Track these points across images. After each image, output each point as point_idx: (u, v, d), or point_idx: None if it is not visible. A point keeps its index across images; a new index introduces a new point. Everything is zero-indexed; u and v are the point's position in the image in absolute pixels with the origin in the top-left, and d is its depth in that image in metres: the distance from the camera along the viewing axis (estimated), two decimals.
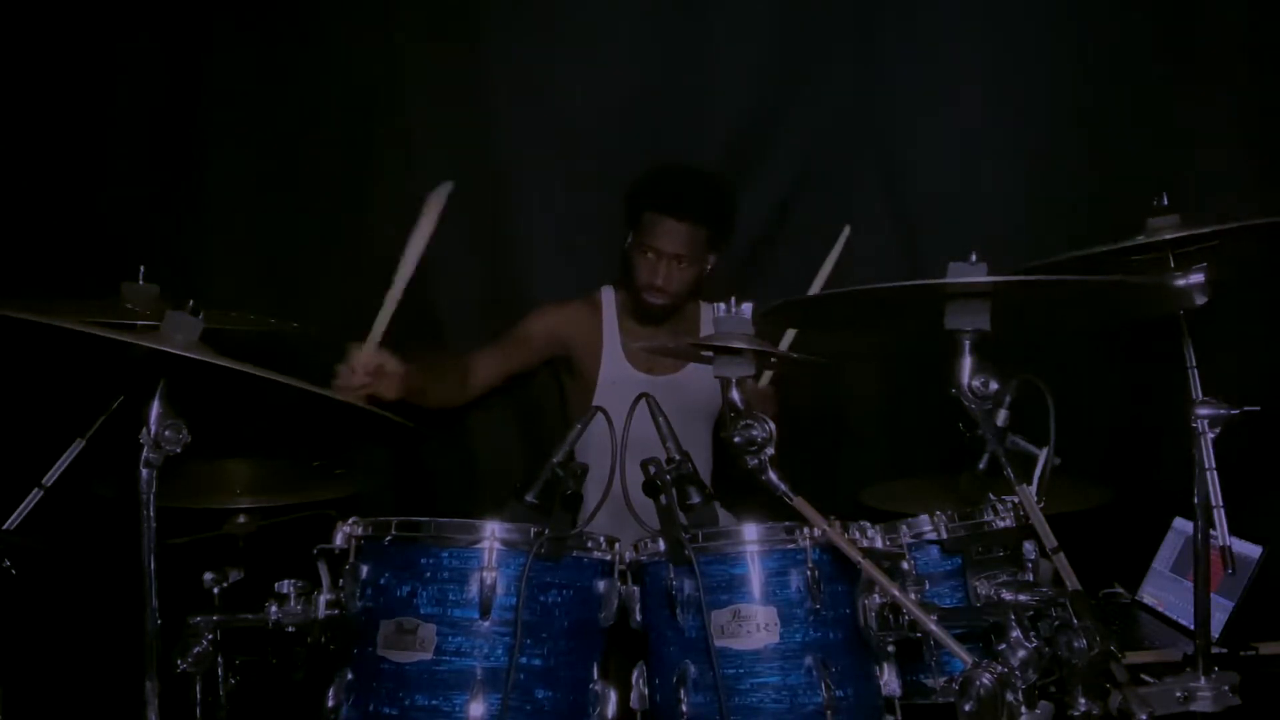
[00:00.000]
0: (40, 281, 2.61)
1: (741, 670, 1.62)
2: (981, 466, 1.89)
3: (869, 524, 1.72)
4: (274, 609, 1.77)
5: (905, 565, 1.67)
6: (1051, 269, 1.95)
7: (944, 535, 1.74)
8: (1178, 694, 1.74)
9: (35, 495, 2.01)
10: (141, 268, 2.23)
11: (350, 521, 1.73)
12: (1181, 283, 1.85)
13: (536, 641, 1.65)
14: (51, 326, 1.56)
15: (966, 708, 1.37)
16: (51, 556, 2.12)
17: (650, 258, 2.56)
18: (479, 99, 3.00)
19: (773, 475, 1.66)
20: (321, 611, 1.75)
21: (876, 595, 1.60)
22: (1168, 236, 1.83)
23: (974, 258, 1.60)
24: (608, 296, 2.75)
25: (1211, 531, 1.82)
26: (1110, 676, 1.48)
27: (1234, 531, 1.83)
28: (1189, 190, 1.97)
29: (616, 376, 2.63)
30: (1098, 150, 2.87)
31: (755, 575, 1.66)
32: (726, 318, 1.73)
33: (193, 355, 1.55)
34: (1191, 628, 1.91)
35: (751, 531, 1.69)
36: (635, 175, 2.69)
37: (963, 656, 1.45)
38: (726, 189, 2.66)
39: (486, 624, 1.62)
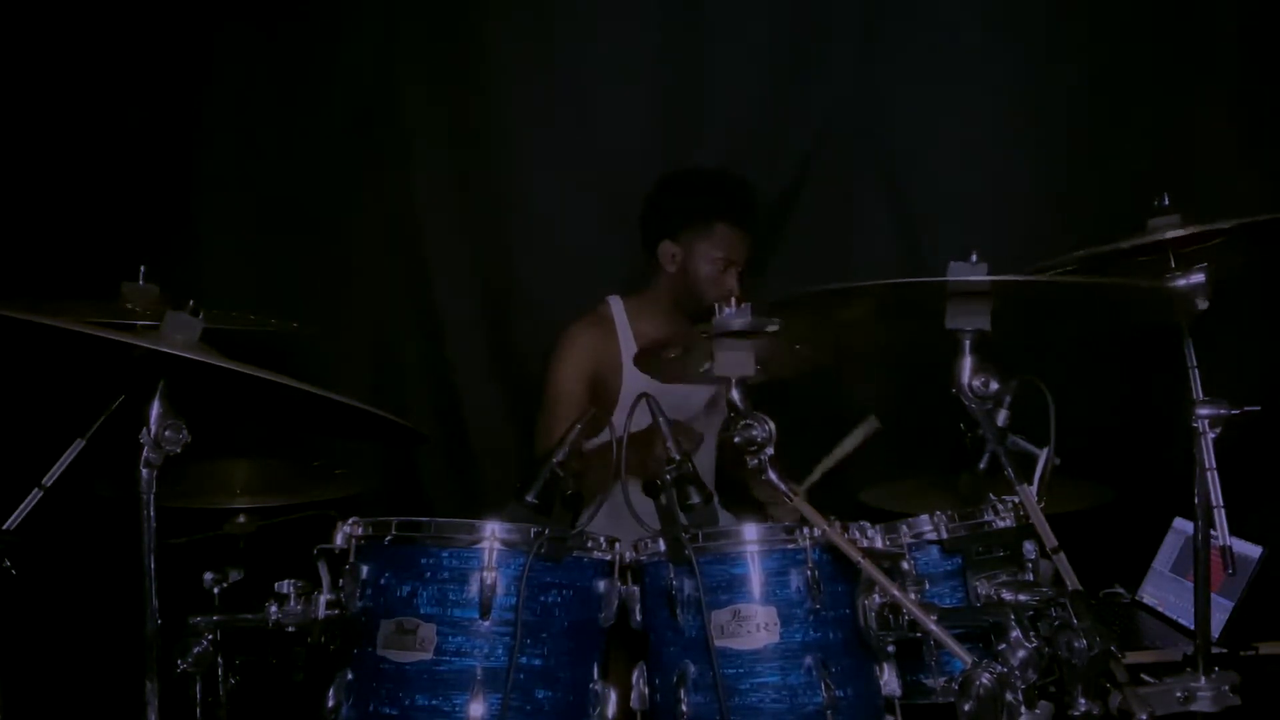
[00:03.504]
0: (40, 281, 2.60)
1: (741, 670, 1.62)
2: (981, 466, 1.89)
3: (869, 524, 1.71)
4: (274, 609, 1.77)
5: (905, 565, 1.67)
6: (1053, 269, 1.94)
7: (944, 535, 1.74)
8: (1178, 694, 1.74)
9: (35, 495, 2.00)
10: (141, 268, 2.23)
11: (350, 521, 1.73)
12: (1182, 283, 1.85)
13: (536, 641, 1.65)
14: (51, 326, 1.55)
15: (966, 708, 1.37)
16: (51, 556, 2.12)
17: (728, 271, 2.54)
18: (478, 99, 3.01)
19: (773, 475, 1.66)
20: (321, 611, 1.75)
21: (876, 595, 1.60)
22: (1168, 236, 1.83)
23: (974, 258, 1.60)
24: (617, 306, 2.68)
25: (1211, 531, 1.81)
26: (1110, 676, 1.48)
27: (1234, 531, 1.82)
28: (1189, 190, 1.97)
29: (638, 387, 2.60)
30: (1098, 150, 2.88)
31: (755, 575, 1.66)
32: (726, 317, 1.73)
33: (193, 356, 1.55)
34: (1191, 628, 1.91)
35: (751, 531, 1.69)
36: (654, 176, 2.66)
37: (963, 656, 1.45)
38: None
39: (486, 624, 1.62)
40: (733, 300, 2.47)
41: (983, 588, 1.70)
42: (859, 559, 1.57)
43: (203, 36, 2.94)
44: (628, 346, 2.61)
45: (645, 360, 2.01)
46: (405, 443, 2.91)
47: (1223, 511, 1.80)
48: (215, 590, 2.01)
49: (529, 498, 1.74)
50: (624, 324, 2.65)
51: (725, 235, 2.52)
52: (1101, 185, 2.85)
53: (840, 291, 1.70)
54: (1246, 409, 1.81)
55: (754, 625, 1.63)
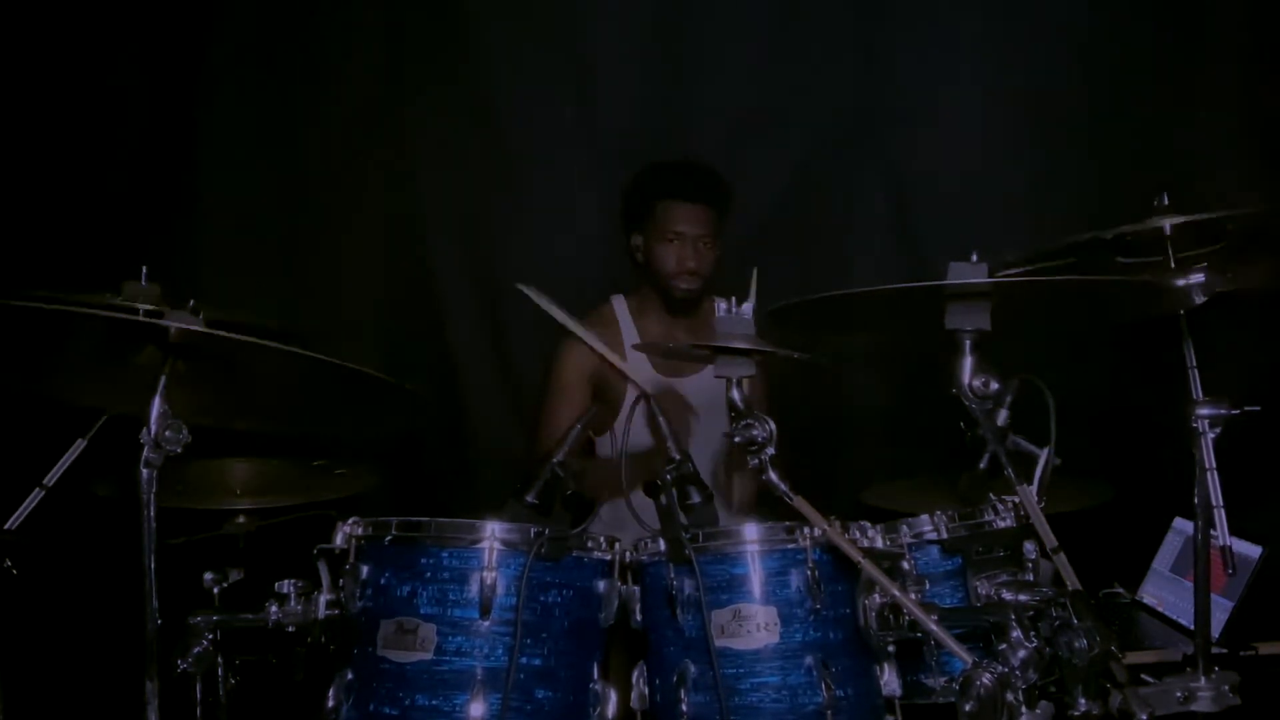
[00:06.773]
0: (41, 281, 2.60)
1: (742, 670, 1.62)
2: (982, 466, 1.89)
3: (869, 524, 1.71)
4: (274, 609, 1.77)
5: (905, 565, 1.67)
6: (1051, 267, 1.94)
7: (944, 535, 1.74)
8: (1178, 694, 1.74)
9: (35, 495, 2.00)
10: (144, 268, 2.23)
11: (350, 521, 1.73)
12: (1181, 283, 1.85)
13: (536, 641, 1.65)
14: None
15: (966, 708, 1.37)
16: (51, 556, 2.12)
17: (676, 244, 2.53)
18: (477, 100, 3.01)
19: (773, 475, 1.66)
20: (321, 611, 1.75)
21: (876, 595, 1.60)
22: (1167, 224, 1.82)
23: (974, 258, 1.60)
24: (619, 306, 2.67)
25: (1211, 531, 1.81)
26: (1110, 676, 1.48)
27: (1234, 531, 1.82)
28: (1189, 190, 1.97)
29: (644, 383, 2.60)
30: (1098, 149, 2.88)
31: (755, 575, 1.66)
32: (727, 318, 1.73)
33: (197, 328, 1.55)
34: (1191, 628, 1.91)
35: (752, 531, 1.69)
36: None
37: (963, 656, 1.45)
38: (719, 172, 2.64)
39: (486, 624, 1.62)
40: (687, 277, 2.51)
41: (983, 588, 1.70)
42: (859, 559, 1.57)
43: (202, 36, 2.95)
44: (631, 344, 2.62)
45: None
46: (409, 415, 2.87)
47: (1223, 511, 1.80)
48: (215, 590, 2.01)
49: (529, 498, 1.74)
50: (628, 322, 2.65)
51: (668, 210, 2.52)
52: (1101, 185, 2.85)
53: (840, 298, 1.70)
54: (1246, 409, 1.81)
55: (754, 625, 1.63)
